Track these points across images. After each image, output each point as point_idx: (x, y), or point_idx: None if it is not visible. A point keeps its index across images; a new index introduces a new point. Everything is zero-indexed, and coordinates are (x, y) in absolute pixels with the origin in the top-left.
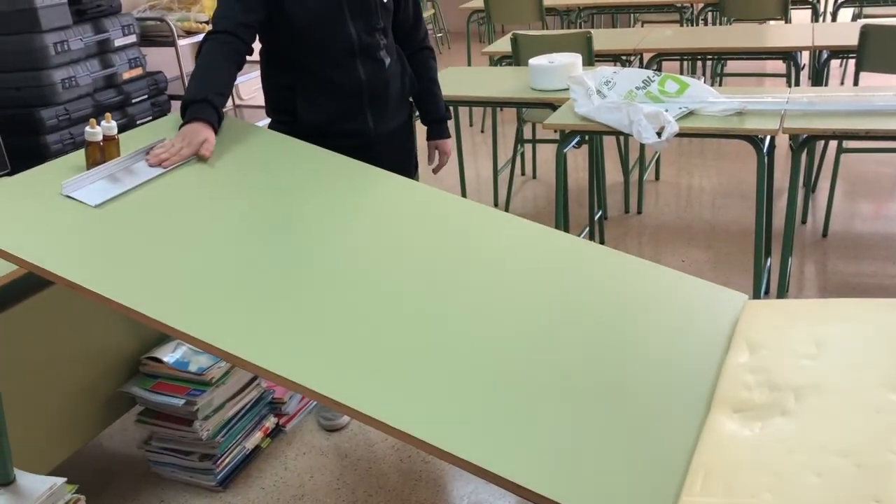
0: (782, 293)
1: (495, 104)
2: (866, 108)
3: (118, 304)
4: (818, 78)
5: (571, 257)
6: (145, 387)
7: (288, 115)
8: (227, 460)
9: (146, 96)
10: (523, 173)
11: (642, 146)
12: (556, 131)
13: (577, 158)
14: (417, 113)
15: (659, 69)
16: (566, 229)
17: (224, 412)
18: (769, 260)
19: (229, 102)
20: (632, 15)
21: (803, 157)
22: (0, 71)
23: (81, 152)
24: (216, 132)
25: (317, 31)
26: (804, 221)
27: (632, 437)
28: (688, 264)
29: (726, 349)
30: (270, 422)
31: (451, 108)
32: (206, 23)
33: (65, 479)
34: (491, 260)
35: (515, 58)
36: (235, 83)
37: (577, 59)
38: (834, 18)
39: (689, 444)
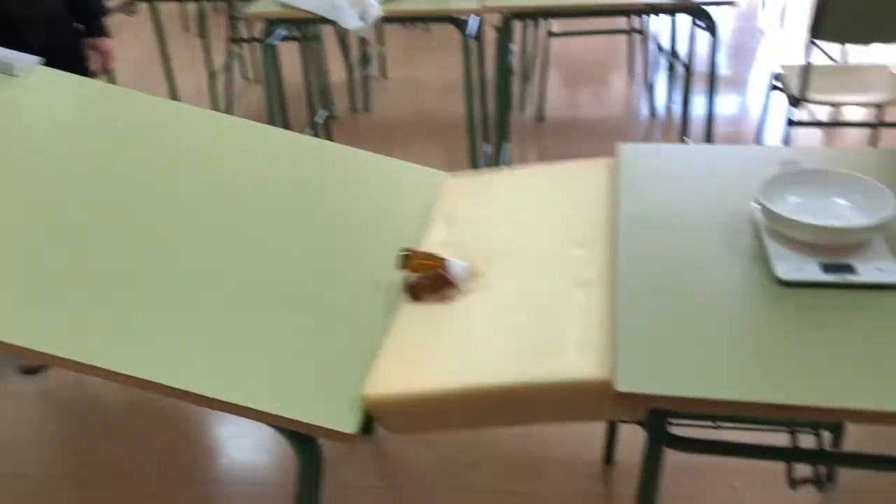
0: None
1: None
2: None
3: None
4: None
5: (277, 153)
6: None
7: None
8: None
9: None
10: (246, 77)
11: (363, 41)
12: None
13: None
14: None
15: None
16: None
17: None
18: (487, 147)
19: None
20: None
21: (514, 46)
22: None
23: None
24: None
25: None
26: (522, 109)
27: (331, 332)
28: (414, 159)
29: (427, 226)
30: None
31: (151, 4)
32: None
33: None
34: (186, 162)
35: None
36: None
37: None
38: None
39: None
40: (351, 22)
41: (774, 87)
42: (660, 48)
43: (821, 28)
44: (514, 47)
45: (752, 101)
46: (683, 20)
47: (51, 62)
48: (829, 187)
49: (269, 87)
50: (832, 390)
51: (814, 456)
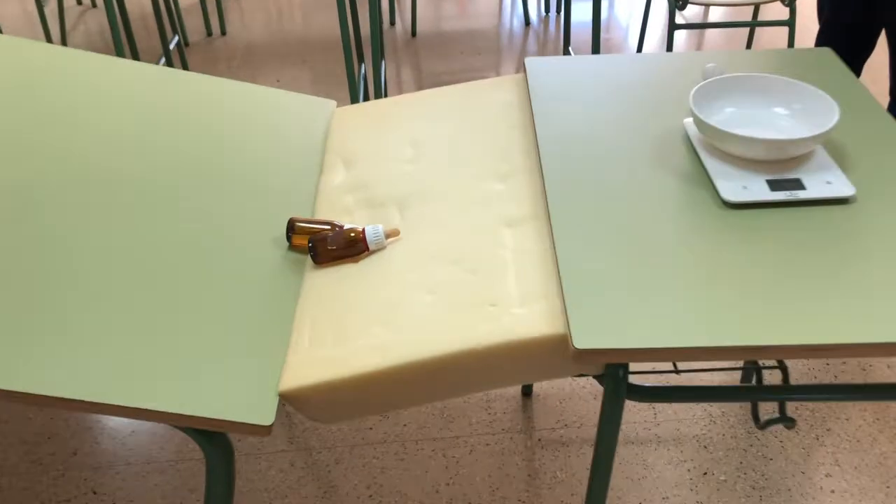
0: (380, 97)
1: None
2: None
3: None
4: None
5: (132, 91)
6: None
7: None
8: None
9: None
10: (80, 2)
11: None
12: None
13: None
14: None
15: None
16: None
17: None
18: (363, 66)
19: None
20: None
21: None
22: None
23: None
24: None
25: None
26: (392, 23)
27: (235, 310)
28: (284, 84)
29: (321, 168)
30: None
31: None
32: None
33: None
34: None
35: None
36: None
37: None
38: None
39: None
40: None
41: None
42: None
43: None
44: None
45: (620, 6)
46: None
47: None
48: (763, 95)
49: (110, 13)
50: (798, 326)
51: (779, 392)
